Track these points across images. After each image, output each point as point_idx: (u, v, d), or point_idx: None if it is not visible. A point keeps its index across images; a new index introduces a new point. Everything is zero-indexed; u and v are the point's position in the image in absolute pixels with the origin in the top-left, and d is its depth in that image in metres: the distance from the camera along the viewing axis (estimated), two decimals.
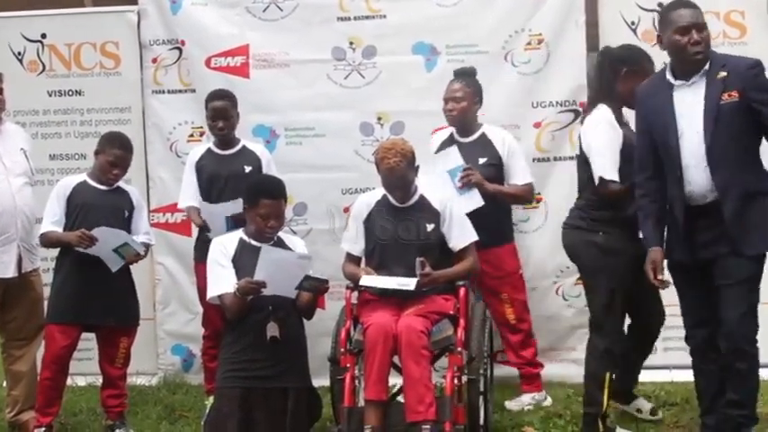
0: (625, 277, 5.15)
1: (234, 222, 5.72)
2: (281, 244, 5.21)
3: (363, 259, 5.50)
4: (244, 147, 6.17)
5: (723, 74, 4.51)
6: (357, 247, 5.51)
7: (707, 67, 4.57)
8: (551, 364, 6.40)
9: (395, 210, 5.43)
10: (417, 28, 6.59)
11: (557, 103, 6.41)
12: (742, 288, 4.56)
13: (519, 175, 5.92)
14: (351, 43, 6.63)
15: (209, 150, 6.16)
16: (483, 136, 5.97)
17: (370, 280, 5.26)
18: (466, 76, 6.00)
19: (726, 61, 4.58)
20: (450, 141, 6.00)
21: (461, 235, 5.46)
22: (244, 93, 6.47)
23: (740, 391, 4.65)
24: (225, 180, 6.00)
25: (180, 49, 6.75)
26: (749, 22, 6.39)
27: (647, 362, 6.28)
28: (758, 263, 4.63)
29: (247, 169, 6.04)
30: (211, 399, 5.72)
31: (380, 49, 6.61)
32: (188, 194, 6.12)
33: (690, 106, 4.58)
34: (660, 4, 6.29)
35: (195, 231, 6.28)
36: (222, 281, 5.04)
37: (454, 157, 5.76)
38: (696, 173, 4.58)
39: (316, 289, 5.02)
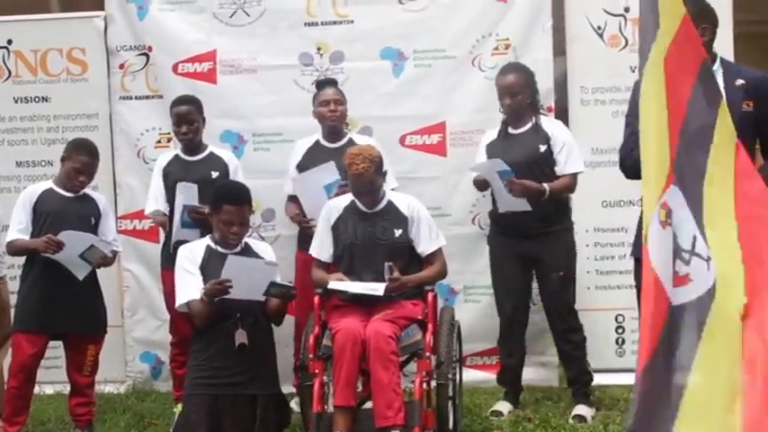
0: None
1: (190, 218, 5.73)
2: (248, 250, 5.21)
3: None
4: (211, 153, 6.15)
5: (741, 81, 4.47)
6: (325, 253, 5.51)
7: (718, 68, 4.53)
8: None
9: (363, 215, 5.44)
10: (385, 33, 6.60)
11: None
12: None
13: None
14: (318, 49, 6.63)
15: (176, 156, 6.13)
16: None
17: (339, 284, 5.27)
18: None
19: (740, 69, 4.57)
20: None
21: (429, 240, 5.47)
22: (211, 98, 6.48)
23: None
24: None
25: (147, 55, 6.72)
26: None
27: (615, 364, 6.38)
28: None
29: (214, 175, 6.01)
30: (180, 406, 5.70)
31: (348, 54, 6.61)
32: (155, 200, 6.09)
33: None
34: (627, 9, 6.40)
35: (162, 237, 6.25)
36: (190, 288, 5.03)
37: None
38: None
39: (282, 295, 5.02)
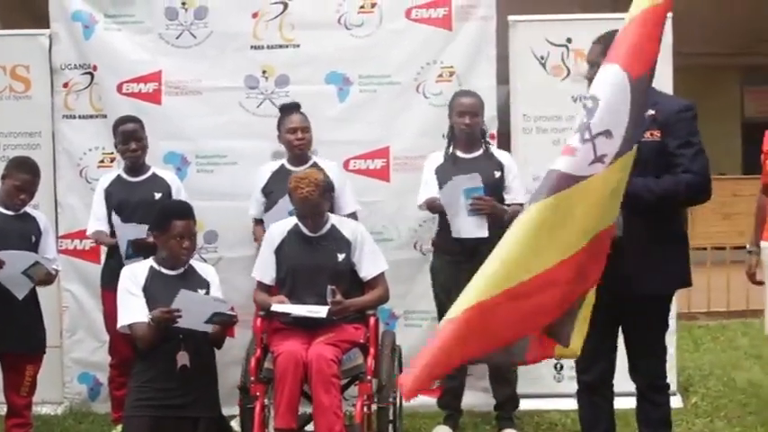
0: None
1: (134, 249, 5.72)
2: (192, 272, 5.20)
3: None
4: (154, 173, 6.15)
5: (651, 112, 4.48)
6: (268, 276, 5.53)
7: None
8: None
9: (306, 238, 5.48)
10: (330, 58, 6.62)
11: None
12: None
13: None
14: (264, 72, 6.64)
15: (118, 177, 6.12)
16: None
17: (282, 307, 5.28)
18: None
19: (658, 100, 4.57)
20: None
21: (372, 264, 5.53)
22: (155, 119, 6.47)
23: None
24: (133, 207, 5.96)
25: (92, 74, 6.68)
26: None
27: (553, 389, 6.45)
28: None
29: (157, 196, 6.01)
30: (119, 428, 5.67)
31: (293, 78, 6.63)
32: (96, 221, 6.07)
33: None
34: (569, 39, 6.50)
35: (104, 258, 6.22)
36: (133, 310, 5.00)
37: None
38: None
39: (224, 323, 5.01)
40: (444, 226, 5.91)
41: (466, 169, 5.83)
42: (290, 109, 6.20)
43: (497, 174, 5.90)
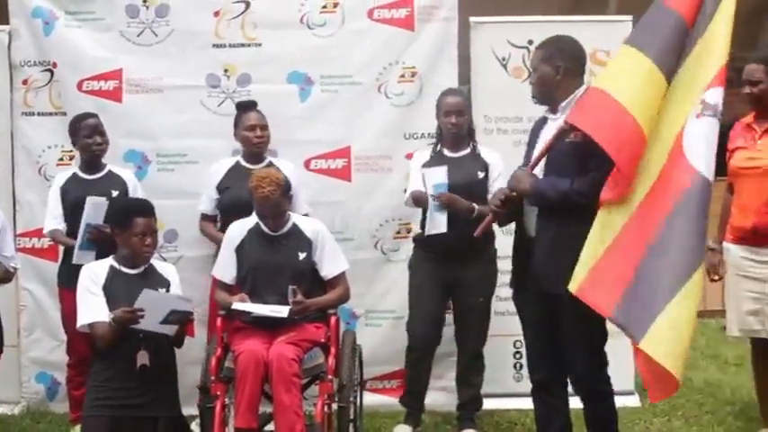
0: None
1: (90, 238, 5.69)
2: (152, 271, 5.16)
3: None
4: (110, 171, 6.12)
5: None
6: (228, 275, 5.52)
7: (564, 103, 4.71)
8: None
9: (267, 238, 5.47)
10: (292, 57, 6.61)
11: (428, 134, 6.47)
12: None
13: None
14: (225, 71, 6.61)
15: (74, 175, 6.08)
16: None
17: (243, 306, 5.27)
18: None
19: None
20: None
21: (333, 264, 5.53)
22: (116, 117, 6.44)
23: None
24: None
25: (51, 71, 6.61)
26: None
27: (512, 389, 6.48)
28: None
29: (114, 194, 5.97)
30: (77, 428, 5.63)
31: (255, 77, 6.61)
32: (53, 219, 6.02)
33: (543, 139, 4.75)
34: (530, 41, 6.54)
35: (61, 256, 6.17)
36: (93, 309, 4.95)
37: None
38: (530, 209, 4.78)
39: (180, 322, 4.97)
40: (422, 224, 5.94)
41: (452, 167, 5.83)
42: (247, 107, 6.21)
43: (481, 174, 5.91)
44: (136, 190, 6.10)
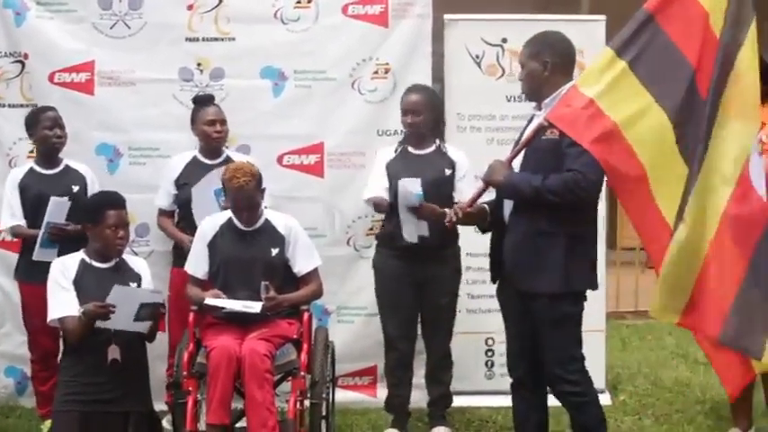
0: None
1: (50, 237, 5.67)
2: (123, 265, 5.14)
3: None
4: (67, 166, 6.08)
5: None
6: (200, 270, 5.50)
7: (548, 99, 4.71)
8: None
9: (240, 233, 5.46)
10: (266, 52, 6.58)
11: (401, 131, 6.44)
12: None
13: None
14: (198, 64, 6.57)
15: (31, 170, 6.03)
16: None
17: (216, 301, 5.25)
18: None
19: None
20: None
21: (306, 260, 5.52)
22: (88, 110, 6.43)
23: None
24: None
25: (23, 63, 6.55)
26: None
27: (484, 387, 6.50)
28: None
29: (75, 188, 5.96)
30: (47, 423, 5.59)
31: (228, 71, 6.58)
32: (11, 216, 5.96)
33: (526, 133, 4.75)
34: (504, 39, 6.55)
35: (20, 250, 6.11)
36: (63, 303, 4.91)
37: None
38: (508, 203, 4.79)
39: (153, 316, 4.94)
40: (390, 220, 5.86)
41: (416, 165, 5.83)
42: (205, 101, 6.19)
43: (448, 171, 5.88)
44: (93, 184, 6.07)
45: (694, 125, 4.45)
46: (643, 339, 8.94)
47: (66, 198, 5.75)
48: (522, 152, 4.69)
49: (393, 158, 5.98)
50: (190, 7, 6.57)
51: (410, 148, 5.98)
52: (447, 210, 5.54)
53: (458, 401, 6.28)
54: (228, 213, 5.51)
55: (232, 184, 5.32)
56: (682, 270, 4.46)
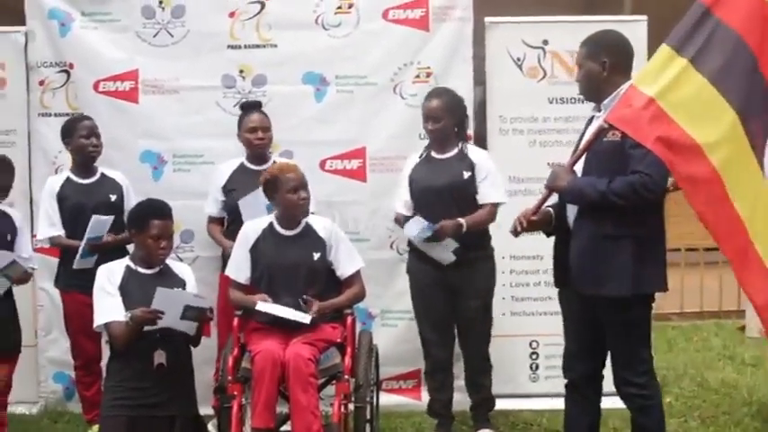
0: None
1: (90, 249, 5.77)
2: (168, 271, 5.17)
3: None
4: (103, 174, 6.15)
5: None
6: (243, 275, 5.52)
7: (608, 100, 4.63)
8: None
9: (282, 237, 5.49)
10: (308, 58, 6.62)
11: None
12: None
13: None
14: (241, 71, 6.63)
15: (68, 179, 6.11)
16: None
17: (267, 306, 5.27)
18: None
19: None
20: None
21: (348, 262, 5.54)
22: (132, 118, 6.53)
23: None
24: (92, 210, 5.93)
25: (68, 72, 6.65)
26: None
27: (529, 389, 6.49)
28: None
29: (113, 198, 6.04)
30: (95, 428, 5.66)
31: (270, 77, 6.63)
32: (51, 226, 6.05)
33: (586, 138, 4.69)
34: (545, 41, 6.54)
35: (59, 259, 6.20)
36: (110, 309, 4.94)
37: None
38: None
39: (198, 318, 4.97)
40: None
41: (436, 170, 5.84)
42: (250, 107, 6.24)
43: (467, 174, 5.82)
44: (129, 191, 6.14)
45: (761, 117, 4.35)
46: (689, 341, 8.88)
47: (108, 217, 5.83)
48: (584, 156, 4.62)
49: (417, 164, 5.98)
50: (232, 14, 6.63)
51: (433, 153, 5.96)
52: (460, 219, 5.62)
53: (502, 404, 6.27)
54: (270, 218, 5.54)
55: (284, 175, 5.39)
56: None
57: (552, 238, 4.89)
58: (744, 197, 4.31)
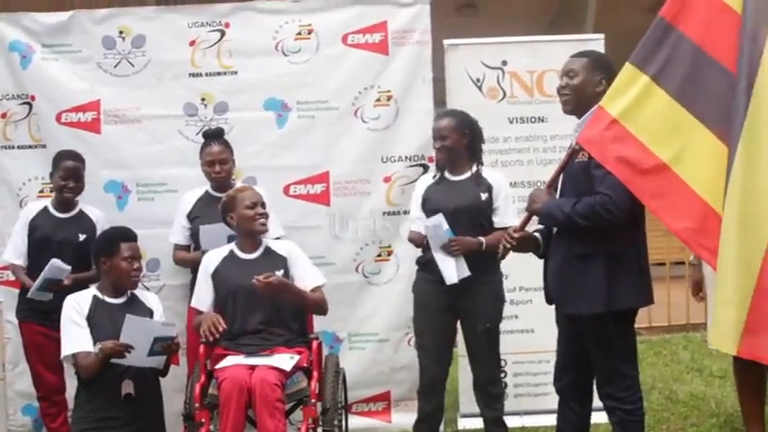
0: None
1: (45, 287, 5.77)
2: (135, 300, 5.20)
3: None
4: (81, 211, 6.17)
5: None
6: (205, 304, 5.53)
7: (581, 120, 4.66)
8: (404, 414, 6.53)
9: (243, 261, 5.52)
10: (268, 84, 6.66)
11: (406, 157, 6.56)
12: None
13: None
14: (203, 99, 6.66)
15: (45, 210, 6.13)
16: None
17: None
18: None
19: None
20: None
21: (311, 276, 5.60)
22: (95, 148, 6.51)
23: None
24: (58, 245, 5.98)
25: (30, 104, 6.65)
26: None
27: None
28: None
29: (81, 237, 6.04)
30: None
31: (232, 104, 6.66)
32: (17, 254, 6.08)
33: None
34: (504, 62, 6.60)
35: (19, 290, 6.20)
36: (77, 340, 4.98)
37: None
38: None
39: (167, 351, 4.99)
40: (424, 249, 5.85)
41: (452, 191, 5.78)
42: (211, 137, 6.25)
43: (484, 196, 5.75)
44: (103, 227, 6.09)
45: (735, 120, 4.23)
46: (658, 354, 8.95)
47: (66, 267, 5.82)
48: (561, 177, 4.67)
49: (430, 185, 5.92)
50: (192, 43, 6.67)
51: (447, 174, 5.90)
52: (481, 238, 5.58)
53: (470, 423, 6.35)
54: (230, 246, 5.57)
55: (240, 194, 5.47)
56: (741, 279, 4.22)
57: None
58: (704, 181, 4.32)
